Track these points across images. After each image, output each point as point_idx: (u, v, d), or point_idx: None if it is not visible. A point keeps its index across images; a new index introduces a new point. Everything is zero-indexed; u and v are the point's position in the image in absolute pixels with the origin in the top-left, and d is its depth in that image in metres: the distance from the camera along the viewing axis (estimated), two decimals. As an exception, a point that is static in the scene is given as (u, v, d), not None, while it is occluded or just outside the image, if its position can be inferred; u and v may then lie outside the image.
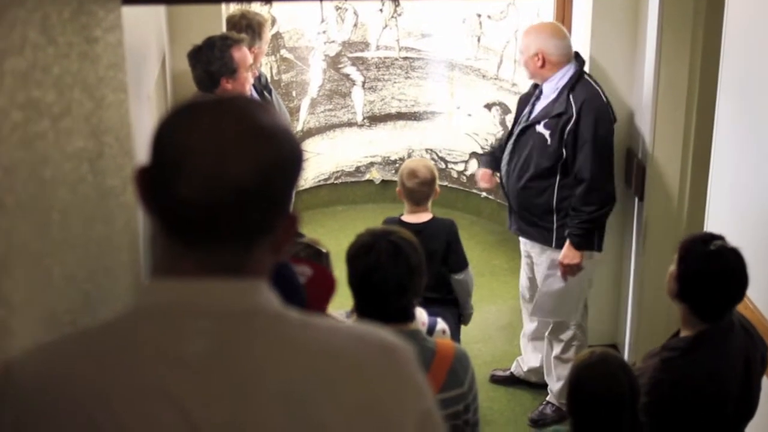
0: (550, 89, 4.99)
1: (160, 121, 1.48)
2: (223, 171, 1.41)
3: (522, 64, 5.09)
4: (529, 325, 5.61)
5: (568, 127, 4.87)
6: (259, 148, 1.43)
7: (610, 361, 3.07)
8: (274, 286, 1.52)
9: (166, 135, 1.46)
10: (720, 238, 3.34)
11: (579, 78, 4.95)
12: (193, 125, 1.44)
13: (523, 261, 5.48)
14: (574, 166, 4.91)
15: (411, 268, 3.01)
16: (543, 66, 4.94)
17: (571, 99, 4.89)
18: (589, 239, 4.99)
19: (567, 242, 4.98)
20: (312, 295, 3.14)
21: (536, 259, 5.26)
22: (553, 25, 5.23)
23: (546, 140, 4.94)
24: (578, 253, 4.98)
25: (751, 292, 3.87)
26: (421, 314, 3.64)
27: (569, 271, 5.02)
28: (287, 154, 1.47)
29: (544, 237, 5.10)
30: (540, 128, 4.97)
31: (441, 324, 3.72)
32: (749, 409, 3.42)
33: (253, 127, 1.45)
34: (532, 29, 5.12)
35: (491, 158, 5.47)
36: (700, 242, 3.30)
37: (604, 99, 4.95)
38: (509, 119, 6.82)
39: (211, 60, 4.80)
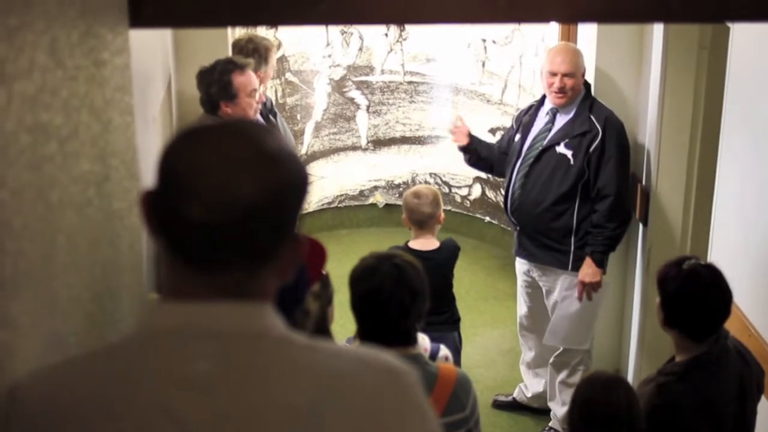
0: (566, 110, 5.01)
1: (166, 144, 1.48)
2: (229, 194, 1.41)
3: (569, 87, 4.97)
4: (528, 353, 5.60)
5: (594, 145, 4.89)
6: (265, 172, 1.44)
7: (613, 383, 3.08)
8: None
9: (172, 158, 1.47)
10: (693, 258, 3.35)
11: (593, 98, 5.01)
12: (199, 149, 1.45)
13: (522, 289, 5.45)
14: (595, 185, 4.92)
15: (414, 292, 3.01)
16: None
17: (593, 118, 4.92)
18: (606, 257, 5.00)
19: (587, 260, 4.98)
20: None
21: (548, 285, 5.22)
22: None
23: (569, 160, 4.94)
24: (599, 271, 4.99)
25: (753, 319, 3.88)
26: (424, 340, 3.64)
27: (590, 290, 5.01)
28: (293, 178, 1.48)
29: (558, 260, 5.08)
30: (561, 149, 4.97)
31: (444, 350, 3.72)
32: (745, 433, 3.42)
33: (259, 150, 1.45)
34: (575, 49, 5.13)
35: (477, 148, 5.41)
36: (674, 265, 3.31)
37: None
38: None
39: (211, 83, 4.81)
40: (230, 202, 1.41)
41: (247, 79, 4.83)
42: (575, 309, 5.09)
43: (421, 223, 4.72)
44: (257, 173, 1.43)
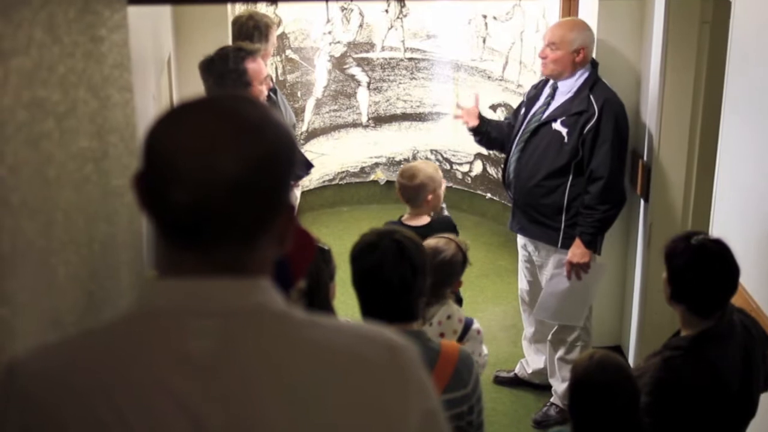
0: (567, 87, 4.99)
1: (149, 126, 1.47)
2: (212, 171, 1.39)
3: (550, 59, 4.97)
4: (529, 329, 5.61)
5: (589, 126, 4.88)
6: (247, 144, 1.42)
7: (609, 363, 3.08)
8: None
9: (154, 140, 1.45)
10: (701, 233, 3.34)
11: (596, 78, 4.98)
12: (179, 128, 1.43)
13: (522, 264, 5.48)
14: (589, 165, 4.91)
15: (415, 268, 3.01)
16: (581, 62, 4.96)
17: (592, 98, 4.91)
18: (596, 239, 4.99)
19: (576, 241, 4.97)
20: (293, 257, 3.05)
21: (540, 261, 5.24)
22: (586, 21, 5.24)
23: (563, 138, 4.93)
24: (588, 252, 4.98)
25: (755, 294, 3.87)
26: (459, 312, 3.67)
27: (578, 270, 5.01)
28: (276, 147, 1.46)
29: (549, 236, 5.09)
30: (557, 126, 4.96)
31: (476, 324, 3.76)
32: (751, 408, 3.41)
33: (239, 122, 1.43)
34: (573, 23, 5.10)
35: (488, 129, 5.39)
36: (682, 240, 3.30)
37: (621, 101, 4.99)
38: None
39: (224, 73, 4.70)
40: (213, 182, 1.39)
41: (259, 66, 4.79)
42: (564, 287, 5.11)
43: (408, 200, 4.77)
44: (238, 147, 1.41)
